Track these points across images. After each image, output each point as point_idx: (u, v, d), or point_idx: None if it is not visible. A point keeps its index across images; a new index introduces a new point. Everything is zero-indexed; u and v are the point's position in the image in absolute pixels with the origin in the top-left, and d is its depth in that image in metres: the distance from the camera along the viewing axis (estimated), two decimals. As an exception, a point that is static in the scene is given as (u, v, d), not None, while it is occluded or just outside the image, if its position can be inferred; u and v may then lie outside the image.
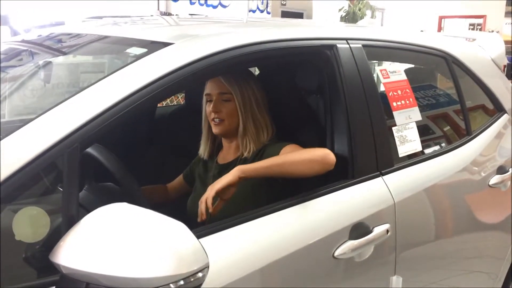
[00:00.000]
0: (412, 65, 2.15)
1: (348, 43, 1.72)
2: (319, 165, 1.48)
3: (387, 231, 1.57)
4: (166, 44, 1.37)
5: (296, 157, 1.49)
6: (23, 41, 2.00)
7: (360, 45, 1.75)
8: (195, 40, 1.43)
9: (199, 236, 1.19)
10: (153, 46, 1.38)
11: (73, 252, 0.93)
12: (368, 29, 2.14)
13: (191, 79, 1.30)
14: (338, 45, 1.67)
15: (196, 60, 1.33)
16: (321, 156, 1.49)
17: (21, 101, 1.90)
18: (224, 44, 1.42)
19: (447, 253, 1.90)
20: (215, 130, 1.75)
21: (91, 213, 0.96)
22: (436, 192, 1.82)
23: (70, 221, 1.02)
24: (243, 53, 1.44)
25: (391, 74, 1.84)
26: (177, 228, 0.95)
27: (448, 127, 2.15)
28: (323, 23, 2.36)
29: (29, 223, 1.01)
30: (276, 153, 1.62)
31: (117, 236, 0.93)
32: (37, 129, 1.08)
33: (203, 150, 1.87)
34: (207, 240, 1.19)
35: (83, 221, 0.95)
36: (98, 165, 1.49)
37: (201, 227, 1.28)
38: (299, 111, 1.81)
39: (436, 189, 1.82)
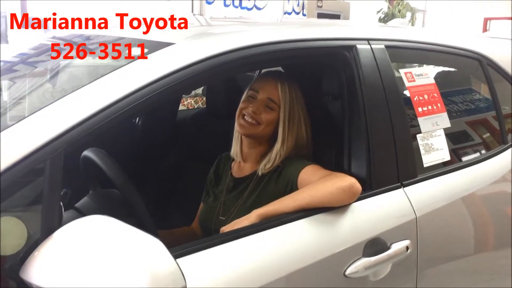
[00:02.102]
0: (441, 68, 2.00)
1: (369, 44, 1.60)
2: (348, 197, 1.37)
3: (407, 248, 1.44)
4: (166, 45, 1.29)
5: (322, 193, 1.35)
6: (54, 37, 1.98)
7: (382, 46, 1.63)
8: (199, 40, 1.35)
9: (195, 250, 1.12)
10: (154, 47, 1.30)
11: (45, 269, 0.86)
12: (392, 29, 2.01)
13: (190, 82, 1.21)
14: (358, 46, 1.56)
15: (198, 61, 1.25)
16: (349, 187, 1.36)
17: (38, 102, 1.88)
18: (230, 44, 1.33)
19: (476, 274, 1.74)
20: (243, 130, 1.61)
21: (64, 227, 0.89)
22: (463, 206, 1.67)
23: (50, 234, 0.95)
24: (250, 54, 1.35)
25: (417, 77, 1.71)
26: (154, 246, 0.86)
27: (481, 135, 1.99)
28: (345, 22, 2.24)
29: (4, 234, 0.95)
30: (295, 174, 1.51)
31: (90, 252, 0.85)
32: (18, 133, 1.01)
33: (235, 149, 1.71)
34: (200, 257, 1.10)
35: (55, 235, 0.88)
36: (99, 171, 1.42)
37: (196, 241, 1.18)
38: (315, 116, 1.70)
39: (464, 202, 1.67)
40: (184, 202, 2.21)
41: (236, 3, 7.36)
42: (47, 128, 1.02)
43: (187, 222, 1.86)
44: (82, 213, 1.41)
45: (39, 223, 0.97)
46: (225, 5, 7.18)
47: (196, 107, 5.11)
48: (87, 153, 1.43)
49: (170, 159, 2.48)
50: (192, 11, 6.70)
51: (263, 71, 1.85)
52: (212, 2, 7.04)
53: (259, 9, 7.72)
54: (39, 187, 0.99)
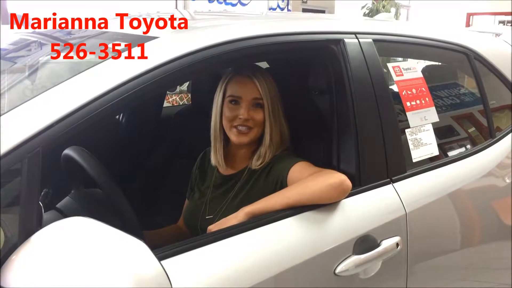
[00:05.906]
0: (429, 62, 1.98)
1: (357, 38, 1.57)
2: (338, 194, 1.34)
3: (397, 244, 1.42)
4: (150, 38, 1.25)
5: (312, 190, 1.32)
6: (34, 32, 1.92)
7: (370, 40, 1.60)
8: (184, 33, 1.31)
9: (181, 251, 1.08)
10: (137, 41, 1.26)
11: (23, 274, 0.81)
12: (380, 23, 1.99)
13: (175, 76, 1.17)
14: (345, 40, 1.53)
15: (183, 55, 1.21)
16: (339, 184, 1.33)
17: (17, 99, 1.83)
18: (215, 38, 1.29)
19: (465, 268, 1.73)
20: (241, 139, 1.54)
21: (43, 229, 0.85)
22: (453, 201, 1.66)
23: (29, 237, 0.90)
24: (237, 48, 1.31)
25: (405, 71, 1.69)
26: (137, 249, 0.83)
27: (468, 129, 1.98)
28: (331, 16, 2.21)
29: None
30: (285, 171, 1.47)
31: (70, 256, 0.81)
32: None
33: (216, 159, 1.63)
34: (184, 257, 1.06)
35: (33, 238, 0.84)
36: (81, 170, 1.38)
37: (182, 241, 1.14)
38: (302, 112, 1.67)
39: (453, 197, 1.66)
40: (171, 199, 2.17)
41: (220, -1, 7.32)
42: (23, 126, 0.98)
43: (174, 220, 1.82)
44: (63, 213, 1.37)
45: (17, 226, 0.92)
46: (210, 1, 7.12)
47: (181, 103, 5.04)
48: (68, 151, 1.39)
49: (155, 156, 2.43)
50: (176, 7, 6.64)
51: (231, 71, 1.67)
52: (196, -2, 6.99)
53: (243, 5, 7.68)
54: (16, 188, 0.94)
